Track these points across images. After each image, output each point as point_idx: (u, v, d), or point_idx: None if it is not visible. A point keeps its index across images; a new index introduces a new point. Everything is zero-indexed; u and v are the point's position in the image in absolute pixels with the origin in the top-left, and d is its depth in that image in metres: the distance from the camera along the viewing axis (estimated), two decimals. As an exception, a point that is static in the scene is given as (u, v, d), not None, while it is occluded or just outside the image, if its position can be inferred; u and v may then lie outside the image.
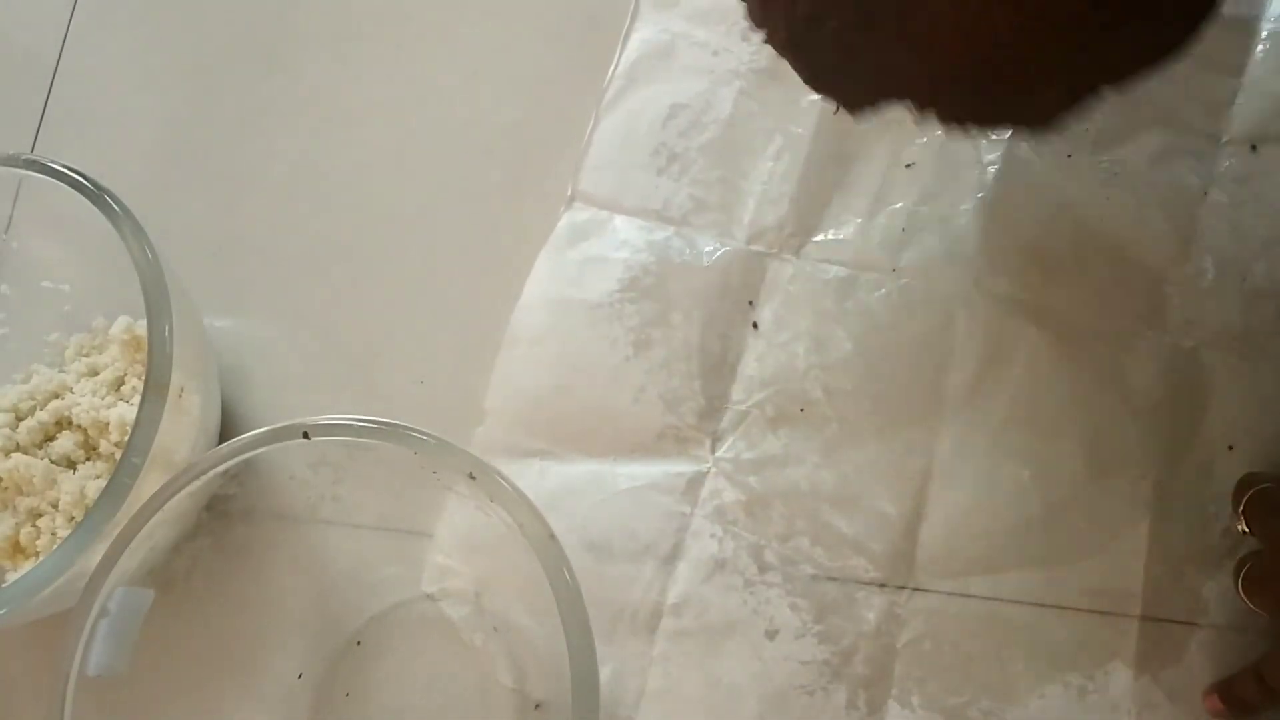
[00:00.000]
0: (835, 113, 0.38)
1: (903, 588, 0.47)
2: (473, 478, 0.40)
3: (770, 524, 0.48)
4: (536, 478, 0.49)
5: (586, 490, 0.49)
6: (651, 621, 0.47)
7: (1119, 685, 0.45)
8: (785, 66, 0.52)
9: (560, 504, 0.48)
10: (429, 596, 0.49)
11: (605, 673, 0.46)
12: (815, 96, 0.51)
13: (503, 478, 0.40)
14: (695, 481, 0.49)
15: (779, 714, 0.45)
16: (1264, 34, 0.50)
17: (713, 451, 0.49)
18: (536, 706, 0.47)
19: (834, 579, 0.47)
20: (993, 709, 0.45)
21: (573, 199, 0.53)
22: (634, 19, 0.54)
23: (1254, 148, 0.49)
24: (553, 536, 0.39)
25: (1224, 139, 0.49)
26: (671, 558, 0.48)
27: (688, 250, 0.51)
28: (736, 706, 0.46)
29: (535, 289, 0.52)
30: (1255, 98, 0.49)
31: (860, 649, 0.46)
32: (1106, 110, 0.50)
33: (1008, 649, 0.45)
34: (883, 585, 0.47)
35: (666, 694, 0.46)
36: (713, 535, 0.48)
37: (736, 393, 0.50)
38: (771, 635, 0.46)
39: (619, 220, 0.52)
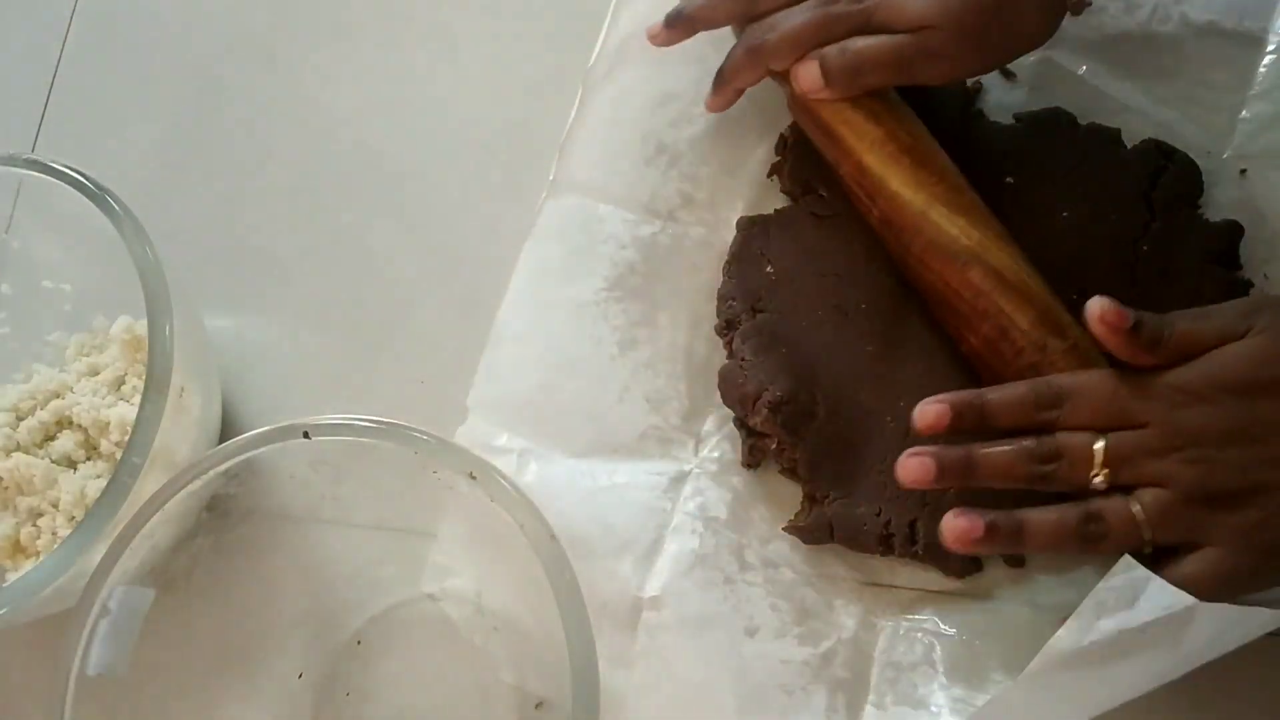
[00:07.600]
0: None
1: (880, 585, 0.46)
2: (473, 478, 0.40)
3: (752, 525, 0.47)
4: (514, 475, 0.48)
5: (565, 488, 0.48)
6: (632, 616, 0.46)
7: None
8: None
9: (537, 501, 0.48)
10: (429, 596, 0.49)
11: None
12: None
13: (503, 477, 0.40)
14: (677, 481, 0.48)
15: (758, 710, 0.45)
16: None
17: (696, 452, 0.49)
18: (537, 705, 0.47)
19: (813, 584, 0.47)
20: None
21: (556, 181, 0.52)
22: None
23: (1243, 171, 0.49)
24: (553, 536, 0.39)
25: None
26: (651, 553, 0.47)
27: (675, 249, 0.51)
28: (716, 701, 0.45)
29: (521, 284, 0.51)
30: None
31: (840, 653, 0.45)
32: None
33: (982, 661, 0.45)
34: (860, 595, 0.46)
35: (649, 688, 0.46)
36: (693, 531, 0.47)
37: None
38: (751, 633, 0.46)
39: (604, 209, 0.51)
